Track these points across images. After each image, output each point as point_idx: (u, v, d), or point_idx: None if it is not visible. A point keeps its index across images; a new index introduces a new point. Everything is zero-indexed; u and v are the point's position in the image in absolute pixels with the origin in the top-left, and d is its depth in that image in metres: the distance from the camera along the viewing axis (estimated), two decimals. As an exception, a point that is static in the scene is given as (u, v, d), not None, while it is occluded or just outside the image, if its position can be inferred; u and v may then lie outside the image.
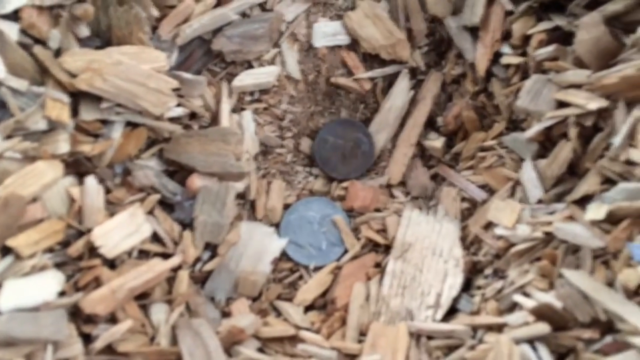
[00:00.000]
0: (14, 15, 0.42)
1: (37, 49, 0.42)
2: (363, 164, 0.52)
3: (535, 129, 0.45)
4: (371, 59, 0.54)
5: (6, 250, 0.38)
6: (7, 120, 0.40)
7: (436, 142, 0.53)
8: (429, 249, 0.47)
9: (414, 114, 0.53)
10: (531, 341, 0.39)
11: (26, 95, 0.41)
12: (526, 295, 0.42)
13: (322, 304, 0.48)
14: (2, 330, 0.35)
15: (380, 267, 0.48)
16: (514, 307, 0.43)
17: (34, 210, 0.39)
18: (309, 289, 0.48)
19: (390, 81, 0.54)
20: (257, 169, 0.51)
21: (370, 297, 0.47)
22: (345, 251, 0.49)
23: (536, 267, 0.43)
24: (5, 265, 0.38)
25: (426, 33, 0.54)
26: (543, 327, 0.39)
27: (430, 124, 0.54)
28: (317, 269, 0.49)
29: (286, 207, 0.51)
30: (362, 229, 0.50)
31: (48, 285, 0.38)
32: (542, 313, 0.40)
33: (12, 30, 0.41)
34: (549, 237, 0.43)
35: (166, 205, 0.45)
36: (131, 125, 0.45)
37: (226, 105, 0.49)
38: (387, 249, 0.49)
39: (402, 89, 0.53)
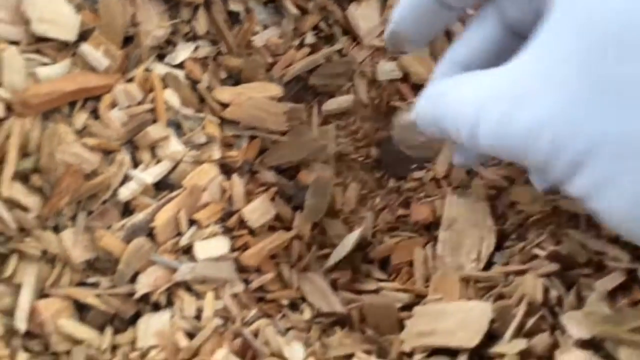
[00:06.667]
0: (181, 65, 0.60)
1: (199, 86, 0.60)
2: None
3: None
4: (418, 88, 0.69)
5: (191, 222, 0.56)
6: (182, 136, 0.58)
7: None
8: (468, 221, 0.65)
9: (451, 127, 0.71)
10: (548, 276, 0.57)
11: (192, 119, 0.60)
12: (542, 249, 0.60)
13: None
14: (200, 272, 0.53)
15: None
16: (533, 258, 0.60)
17: (204, 196, 0.57)
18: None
19: (432, 103, 0.72)
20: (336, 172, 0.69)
21: (428, 258, 0.64)
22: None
23: (548, 229, 0.60)
24: (193, 232, 0.55)
25: (457, 69, 0.72)
26: (555, 266, 0.56)
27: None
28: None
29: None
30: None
31: (221, 245, 0.55)
32: (553, 257, 0.57)
33: (180, 75, 0.60)
34: (556, 209, 0.60)
35: (283, 192, 0.63)
36: (250, 137, 0.63)
37: (315, 122, 0.67)
38: (438, 225, 0.66)
39: (441, 109, 0.71)
